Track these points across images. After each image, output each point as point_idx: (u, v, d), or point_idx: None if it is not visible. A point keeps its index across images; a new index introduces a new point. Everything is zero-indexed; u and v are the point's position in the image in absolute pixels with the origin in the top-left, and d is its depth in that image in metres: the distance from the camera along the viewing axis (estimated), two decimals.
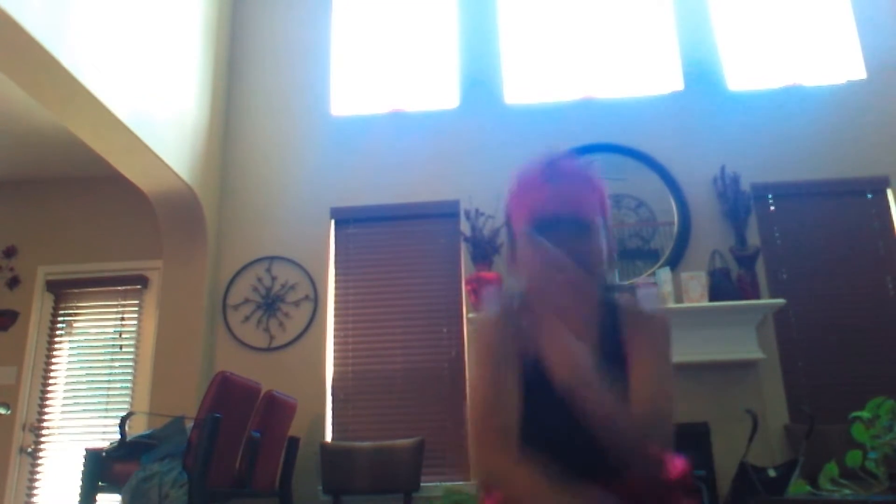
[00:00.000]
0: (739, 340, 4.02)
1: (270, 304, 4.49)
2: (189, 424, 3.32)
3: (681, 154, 4.50)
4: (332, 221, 4.67)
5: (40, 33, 2.88)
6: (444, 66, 4.94)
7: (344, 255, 4.63)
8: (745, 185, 4.39)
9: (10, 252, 5.23)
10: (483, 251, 4.24)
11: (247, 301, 4.53)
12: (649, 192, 4.45)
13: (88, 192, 5.29)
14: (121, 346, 4.98)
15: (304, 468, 4.09)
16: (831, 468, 2.29)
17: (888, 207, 4.40)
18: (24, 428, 4.89)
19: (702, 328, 4.00)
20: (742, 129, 4.54)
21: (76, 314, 5.15)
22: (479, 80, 4.80)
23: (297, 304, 4.49)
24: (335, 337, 4.49)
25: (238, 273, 4.58)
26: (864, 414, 2.21)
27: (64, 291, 5.15)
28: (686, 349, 3.98)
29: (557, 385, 1.10)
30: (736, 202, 4.28)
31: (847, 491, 2.24)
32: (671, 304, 4.03)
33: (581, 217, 1.16)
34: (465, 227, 4.40)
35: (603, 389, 1.10)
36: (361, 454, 3.99)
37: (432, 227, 4.61)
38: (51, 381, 5.01)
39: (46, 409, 4.96)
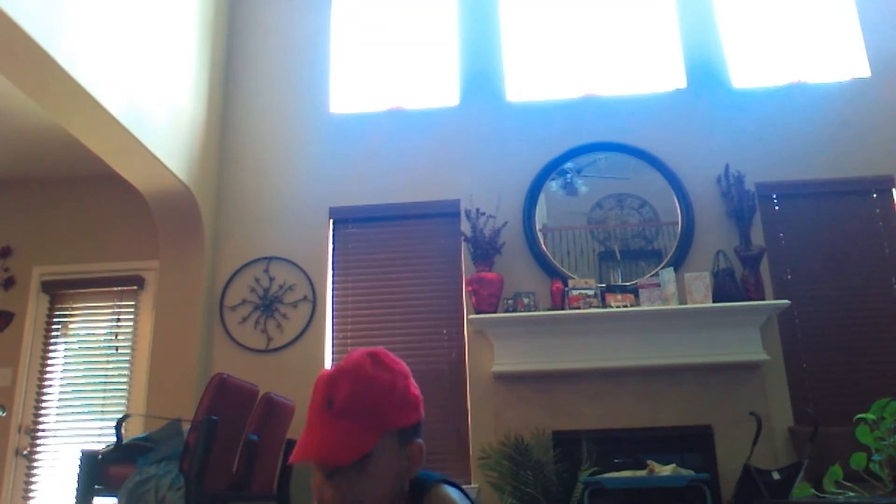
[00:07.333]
0: (743, 342, 3.99)
1: (268, 305, 4.47)
2: (186, 427, 3.31)
3: (684, 152, 4.48)
4: (331, 221, 4.64)
5: (35, 30, 2.86)
6: (444, 63, 4.92)
7: (343, 255, 4.60)
8: (750, 185, 4.36)
9: (4, 252, 5.19)
10: (484, 251, 4.21)
11: (244, 302, 4.50)
12: (652, 192, 4.43)
13: (84, 192, 5.24)
14: (117, 348, 4.95)
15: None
16: (835, 471, 2.32)
17: (893, 207, 4.36)
18: (19, 430, 4.84)
19: (705, 329, 3.99)
20: (746, 127, 4.52)
21: (72, 315, 5.10)
22: (480, 77, 4.77)
23: (295, 305, 4.46)
24: (334, 338, 4.46)
25: (235, 273, 4.56)
26: (869, 416, 2.23)
27: (59, 292, 5.10)
28: (689, 350, 3.98)
29: None
30: (740, 202, 4.25)
31: (851, 493, 2.28)
32: (675, 305, 4.01)
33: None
34: (465, 226, 4.37)
35: None
36: None
37: (432, 227, 4.58)
38: (46, 383, 4.94)
39: (42, 411, 4.91)
